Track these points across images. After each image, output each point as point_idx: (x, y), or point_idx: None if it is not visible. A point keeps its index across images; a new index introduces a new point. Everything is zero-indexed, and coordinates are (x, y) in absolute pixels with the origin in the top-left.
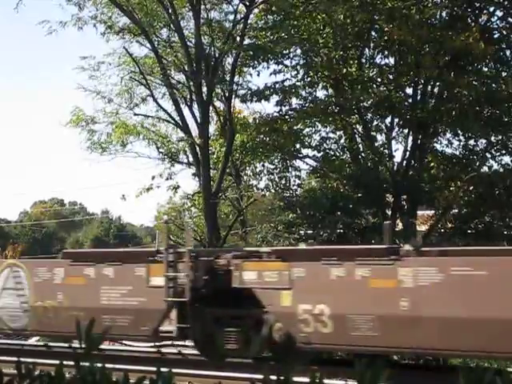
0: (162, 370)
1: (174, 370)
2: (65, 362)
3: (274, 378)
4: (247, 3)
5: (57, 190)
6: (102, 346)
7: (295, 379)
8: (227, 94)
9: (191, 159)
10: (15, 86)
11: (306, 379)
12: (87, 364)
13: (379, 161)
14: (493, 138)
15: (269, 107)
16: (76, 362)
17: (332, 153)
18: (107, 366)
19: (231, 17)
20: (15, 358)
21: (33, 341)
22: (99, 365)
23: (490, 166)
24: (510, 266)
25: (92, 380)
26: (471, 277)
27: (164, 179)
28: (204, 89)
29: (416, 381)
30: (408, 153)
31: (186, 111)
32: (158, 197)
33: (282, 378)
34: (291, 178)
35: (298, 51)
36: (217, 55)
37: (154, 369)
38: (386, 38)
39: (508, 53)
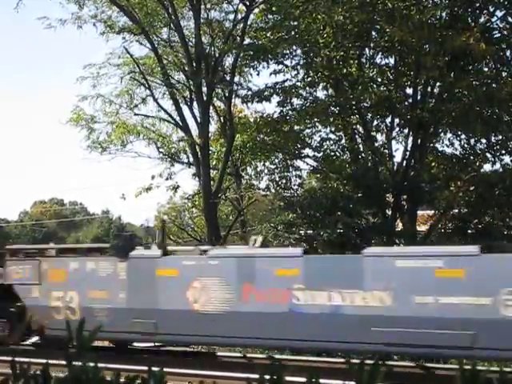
0: (154, 369)
1: (174, 370)
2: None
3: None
4: (247, 3)
5: (57, 189)
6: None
7: (294, 379)
8: (227, 94)
9: (191, 159)
10: (15, 86)
11: (303, 379)
12: (80, 363)
13: (379, 161)
14: (493, 138)
15: (270, 107)
16: (68, 362)
17: (332, 153)
18: (100, 365)
19: (231, 16)
20: (10, 358)
21: (32, 341)
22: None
23: (490, 165)
24: None
25: (85, 379)
26: None
27: (164, 179)
28: (204, 89)
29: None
30: (408, 153)
31: (186, 111)
32: (158, 197)
33: (275, 377)
34: (292, 178)
35: (299, 51)
36: (217, 55)
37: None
38: (386, 38)
39: (508, 53)
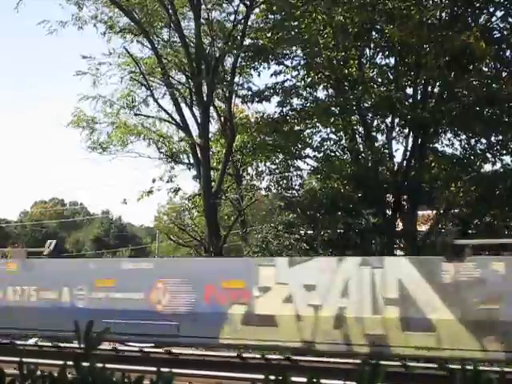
0: (162, 370)
1: (174, 370)
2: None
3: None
4: (247, 3)
5: (57, 189)
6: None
7: (294, 379)
8: (228, 94)
9: (192, 160)
10: (15, 86)
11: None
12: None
13: (380, 161)
14: (493, 138)
15: (270, 107)
16: (76, 363)
17: (333, 153)
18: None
19: (232, 17)
20: (17, 358)
21: (32, 341)
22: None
23: (490, 165)
24: None
25: (92, 380)
26: None
27: (165, 182)
28: (204, 89)
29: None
30: (408, 153)
31: (186, 112)
32: (159, 197)
33: (280, 377)
34: (293, 178)
35: (299, 52)
36: (217, 55)
37: (154, 369)
38: (386, 38)
39: (508, 53)
